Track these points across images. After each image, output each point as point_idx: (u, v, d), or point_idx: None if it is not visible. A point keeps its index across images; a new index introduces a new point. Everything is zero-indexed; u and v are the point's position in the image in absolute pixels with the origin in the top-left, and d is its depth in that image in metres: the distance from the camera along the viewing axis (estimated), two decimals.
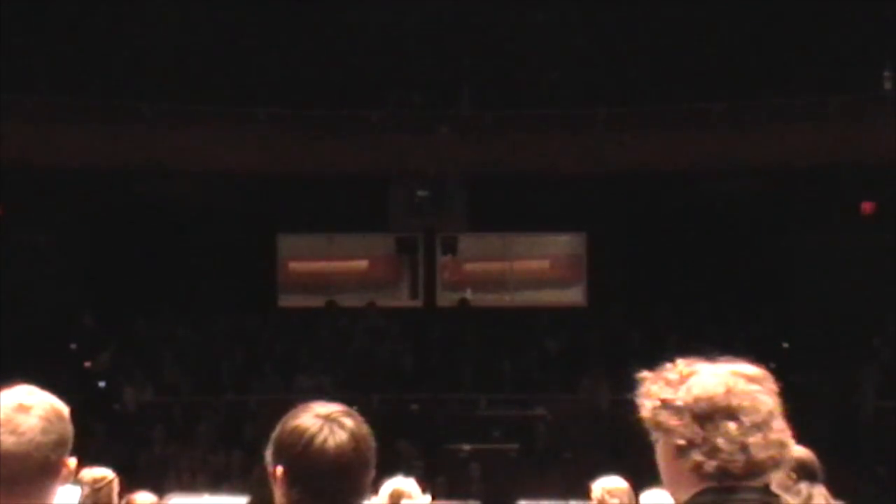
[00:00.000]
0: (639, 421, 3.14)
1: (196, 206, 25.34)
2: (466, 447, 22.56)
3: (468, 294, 26.93)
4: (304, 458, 3.20)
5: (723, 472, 2.99)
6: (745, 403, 3.05)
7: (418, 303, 26.69)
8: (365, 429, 3.27)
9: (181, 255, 25.61)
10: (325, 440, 3.20)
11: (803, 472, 6.95)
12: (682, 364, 3.21)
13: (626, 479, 8.37)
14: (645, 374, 3.18)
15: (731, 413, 3.04)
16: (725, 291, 25.22)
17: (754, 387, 3.10)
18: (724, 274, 25.45)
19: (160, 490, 11.15)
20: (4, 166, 21.87)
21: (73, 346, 24.74)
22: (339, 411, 3.28)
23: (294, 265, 27.63)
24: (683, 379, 3.14)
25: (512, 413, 23.46)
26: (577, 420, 23.03)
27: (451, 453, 22.51)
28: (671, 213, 25.60)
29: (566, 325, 25.60)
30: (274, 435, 3.26)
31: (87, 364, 24.32)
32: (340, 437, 3.21)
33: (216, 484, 20.49)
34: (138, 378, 23.69)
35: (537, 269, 27.79)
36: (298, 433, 3.22)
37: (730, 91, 24.22)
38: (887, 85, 24.38)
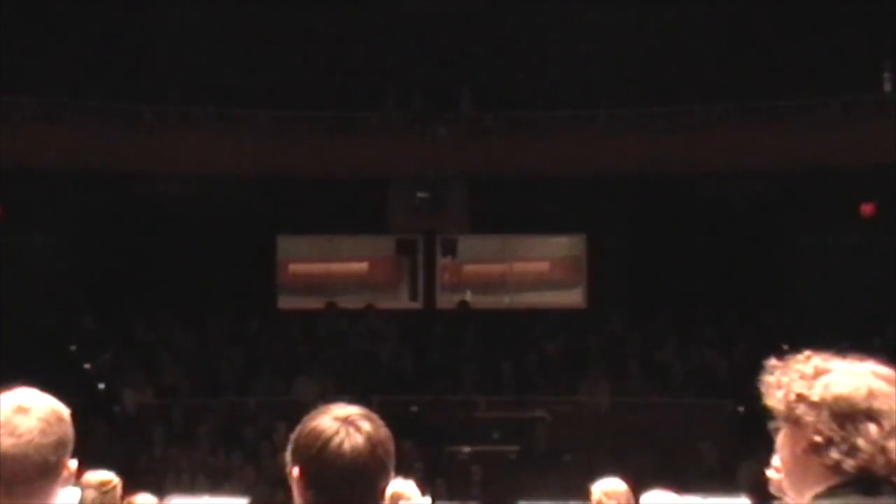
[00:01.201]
0: (767, 408, 3.11)
1: (196, 208, 25.33)
2: (466, 449, 22.57)
3: (468, 296, 26.92)
4: (319, 459, 3.18)
5: (863, 471, 2.98)
6: (885, 407, 3.03)
7: (418, 304, 26.70)
8: (383, 432, 3.24)
9: (181, 257, 25.59)
10: (341, 443, 3.18)
11: None
12: (816, 359, 3.15)
13: (626, 480, 8.38)
14: (775, 363, 3.15)
15: (871, 415, 3.01)
16: (725, 293, 25.21)
17: (892, 389, 3.08)
18: (724, 276, 25.44)
19: (160, 491, 11.17)
20: (4, 168, 21.87)
21: (72, 347, 24.74)
22: (358, 414, 3.25)
23: (294, 267, 27.62)
24: (818, 374, 3.10)
25: (512, 415, 23.46)
26: (577, 422, 23.02)
27: (450, 455, 22.51)
28: (671, 215, 25.59)
29: (566, 327, 25.59)
30: (293, 435, 3.25)
31: (87, 365, 24.32)
32: (356, 439, 3.18)
33: (216, 485, 20.51)
34: (138, 380, 23.69)
35: (537, 270, 27.79)
36: (315, 435, 3.20)
37: (730, 93, 24.23)
38: (887, 86, 24.39)
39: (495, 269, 27.68)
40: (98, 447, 19.91)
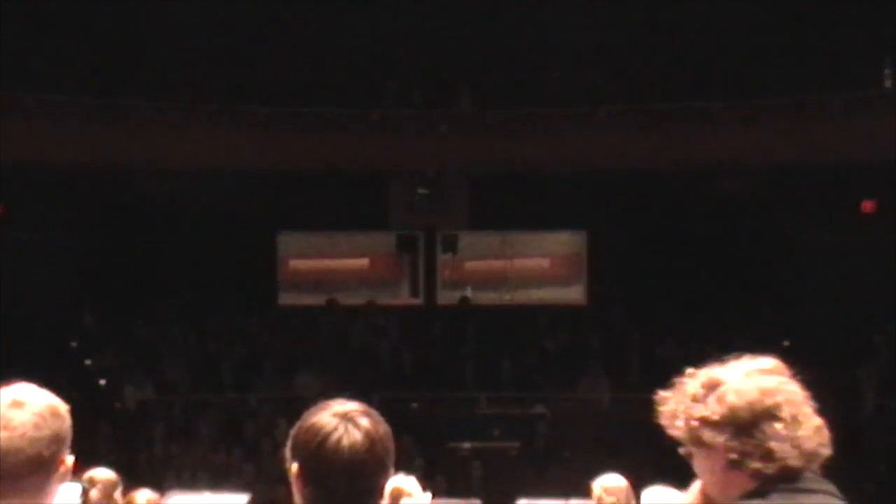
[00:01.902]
0: (672, 440, 3.12)
1: (196, 205, 25.33)
2: (467, 446, 22.56)
3: (468, 292, 26.92)
4: (317, 456, 3.18)
5: (784, 469, 2.98)
6: (780, 399, 3.04)
7: (419, 301, 26.70)
8: (382, 428, 3.24)
9: (181, 253, 25.59)
10: (339, 439, 3.18)
11: None
12: (699, 375, 3.14)
13: (626, 477, 8.39)
14: (663, 394, 3.14)
15: (771, 414, 3.02)
16: (725, 290, 25.21)
17: (780, 379, 3.08)
18: (724, 273, 25.44)
19: (161, 488, 11.16)
20: (5, 165, 21.87)
21: (73, 344, 24.75)
22: (357, 410, 3.25)
23: (294, 263, 27.61)
24: (709, 391, 3.09)
25: (512, 411, 23.45)
26: (578, 418, 23.02)
27: (451, 452, 22.50)
28: (671, 211, 25.59)
29: (566, 324, 25.59)
30: (292, 431, 3.25)
31: (88, 362, 24.32)
32: (354, 436, 3.18)
33: (217, 482, 20.48)
34: (139, 376, 23.69)
35: (537, 267, 27.77)
36: (314, 431, 3.20)
37: (730, 90, 24.23)
38: (888, 83, 24.38)
39: (496, 265, 27.67)
40: (99, 444, 19.93)
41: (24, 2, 23.54)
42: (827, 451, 3.06)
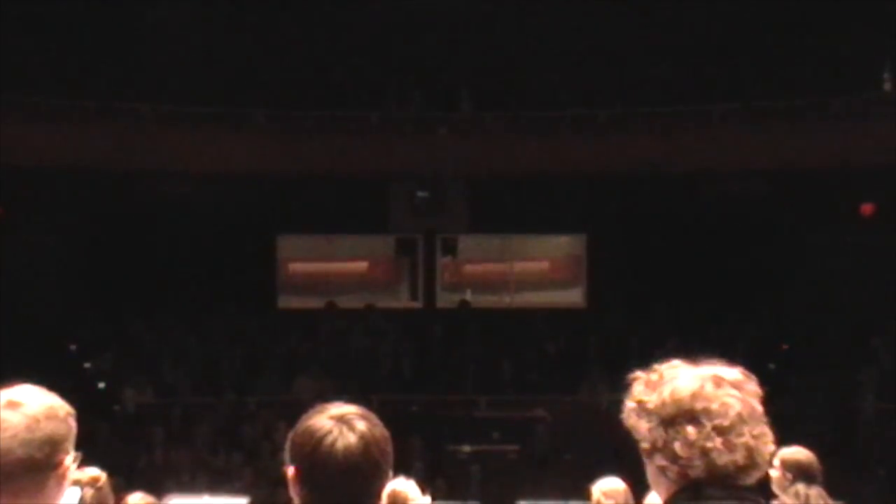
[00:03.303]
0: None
1: (196, 208, 25.33)
2: (466, 448, 22.56)
3: (468, 295, 26.92)
4: (313, 458, 3.18)
5: (684, 478, 2.97)
6: (713, 407, 2.99)
7: (418, 304, 26.70)
8: (378, 431, 3.23)
9: (181, 256, 25.60)
10: (333, 442, 3.17)
11: (800, 473, 6.96)
12: (665, 366, 3.16)
13: (626, 480, 8.38)
14: (636, 374, 3.16)
15: (693, 417, 2.99)
16: (725, 293, 25.21)
17: (727, 390, 3.03)
18: (724, 275, 25.44)
19: (160, 491, 11.16)
20: (5, 168, 21.87)
21: (73, 347, 24.75)
22: (354, 413, 3.24)
23: (294, 266, 27.62)
24: (661, 381, 3.10)
25: (511, 414, 23.45)
26: (577, 421, 23.02)
27: (451, 454, 22.50)
28: (671, 214, 25.59)
29: (566, 327, 25.60)
30: (290, 434, 3.25)
31: (87, 365, 24.32)
32: (349, 439, 3.18)
33: (216, 485, 20.48)
34: (138, 379, 23.69)
35: (537, 270, 27.79)
36: (309, 434, 3.20)
37: (730, 93, 24.23)
38: (887, 86, 24.39)
39: (495, 268, 27.68)
40: (98, 447, 19.92)
41: (23, 4, 23.54)
42: (750, 473, 2.98)
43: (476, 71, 25.69)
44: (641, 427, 3.05)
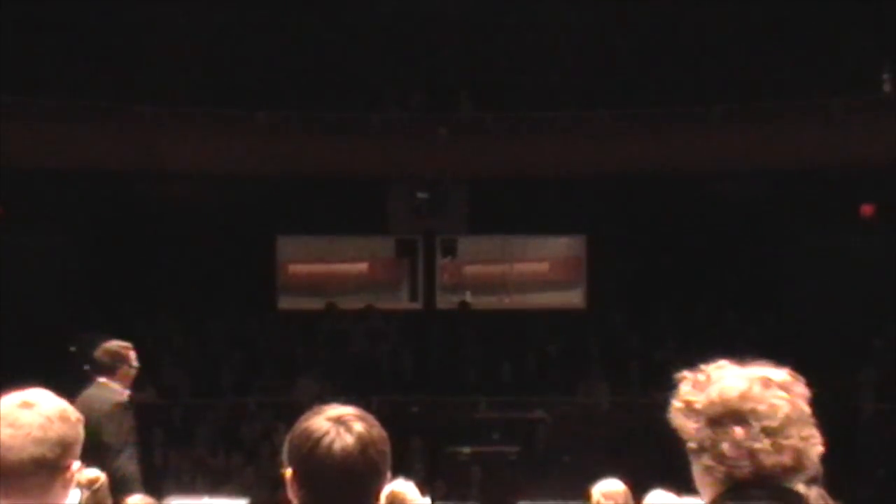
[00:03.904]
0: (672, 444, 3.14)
1: (195, 209, 25.34)
2: (466, 449, 22.55)
3: (468, 296, 26.92)
4: (310, 460, 3.18)
5: (730, 478, 2.98)
6: (760, 408, 3.02)
7: (418, 305, 26.69)
8: (376, 433, 3.23)
9: (181, 258, 25.61)
10: (331, 443, 3.18)
11: None
12: (713, 366, 3.19)
13: (626, 481, 8.38)
14: (682, 374, 3.17)
15: (741, 417, 3.02)
16: (725, 294, 25.22)
17: (775, 392, 3.06)
18: (724, 276, 25.44)
19: (160, 492, 11.16)
20: (4, 168, 21.87)
21: (72, 348, 24.72)
22: (352, 414, 3.25)
23: (293, 267, 27.62)
24: (709, 381, 3.12)
25: (511, 415, 23.45)
26: (577, 423, 23.02)
27: (450, 456, 22.50)
28: (671, 215, 25.59)
29: (566, 328, 25.59)
30: (288, 436, 3.26)
31: (87, 366, 24.28)
32: (347, 440, 3.18)
33: (216, 486, 20.50)
34: (138, 380, 23.63)
35: (537, 271, 27.78)
36: (307, 435, 3.21)
37: (729, 93, 24.22)
38: (886, 87, 24.39)
39: (495, 269, 27.68)
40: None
41: (23, 5, 23.53)
42: (791, 475, 3.02)
43: (476, 72, 25.69)
44: (689, 427, 3.07)
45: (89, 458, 9.52)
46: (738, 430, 3.00)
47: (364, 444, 3.19)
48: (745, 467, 2.98)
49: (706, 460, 3.02)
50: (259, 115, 24.60)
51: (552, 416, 23.22)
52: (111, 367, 9.40)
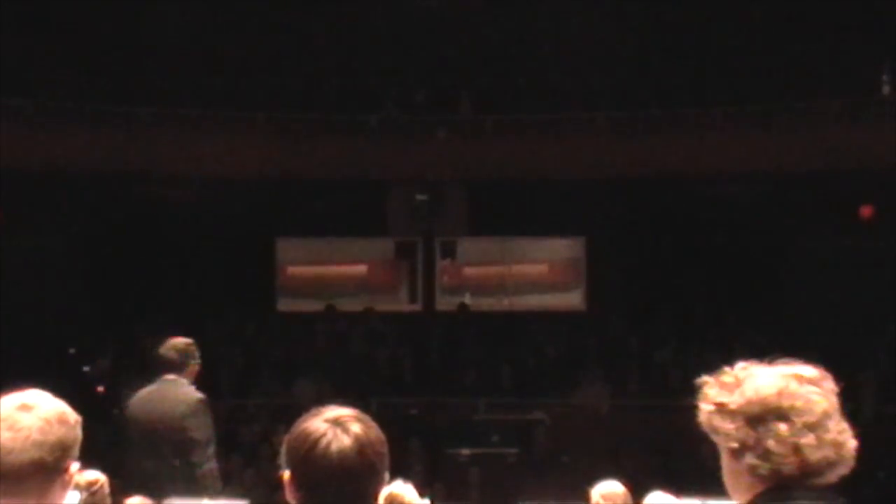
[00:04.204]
0: (697, 426, 3.17)
1: (195, 211, 25.34)
2: (465, 452, 22.55)
3: (467, 298, 26.93)
4: (307, 461, 3.19)
5: (776, 475, 3.00)
6: (798, 404, 3.06)
7: (417, 307, 26.70)
8: (373, 434, 3.24)
9: (180, 259, 25.61)
10: (328, 444, 3.18)
11: None
12: (739, 367, 3.21)
13: (625, 483, 8.38)
14: (705, 378, 3.19)
15: (782, 414, 3.05)
16: (724, 296, 25.22)
17: (809, 388, 3.10)
18: (724, 278, 25.45)
19: (159, 494, 11.14)
20: (4, 169, 21.87)
21: (71, 350, 24.73)
22: (349, 416, 3.25)
23: (293, 269, 27.63)
24: (739, 382, 3.15)
25: (511, 417, 23.45)
26: (576, 424, 23.02)
27: (450, 457, 22.50)
28: (670, 217, 25.60)
29: (565, 329, 25.60)
30: (286, 437, 3.26)
31: (86, 368, 24.31)
32: (343, 441, 3.19)
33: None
34: (137, 383, 23.65)
35: (536, 273, 27.79)
36: (304, 436, 3.22)
37: (729, 95, 24.23)
38: (885, 89, 24.40)
39: (494, 271, 27.69)
40: (97, 450, 19.89)
41: (24, 6, 23.54)
42: (835, 469, 3.05)
43: (476, 73, 25.70)
44: (726, 427, 3.09)
45: (173, 453, 9.61)
46: (783, 427, 3.03)
47: (361, 445, 3.19)
48: (792, 462, 3.00)
49: (750, 459, 3.04)
50: (258, 116, 24.61)
51: (551, 418, 23.22)
52: (181, 363, 9.63)
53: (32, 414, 2.98)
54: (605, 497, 8.19)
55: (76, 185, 23.97)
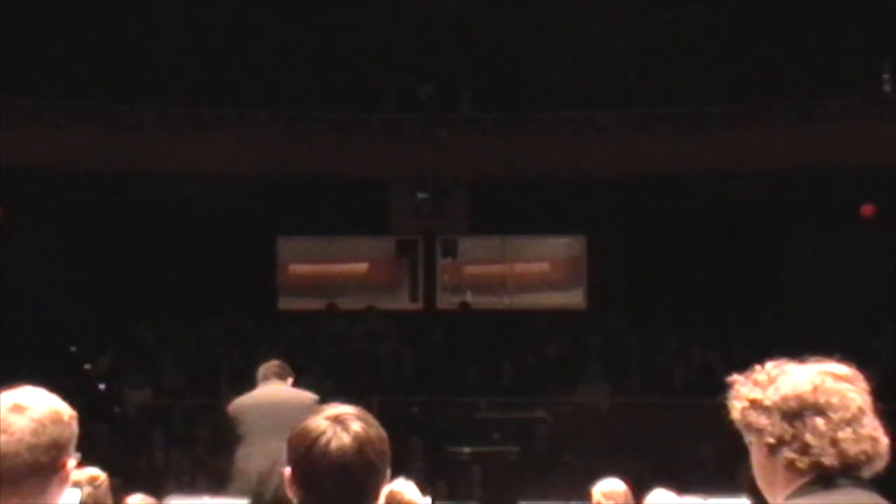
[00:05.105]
0: (731, 423, 3.19)
1: (196, 209, 25.34)
2: (466, 450, 22.56)
3: (468, 297, 26.93)
4: (307, 459, 3.20)
5: (816, 467, 3.02)
6: (834, 400, 3.10)
7: (418, 305, 26.70)
8: (374, 432, 3.24)
9: (181, 258, 25.60)
10: (327, 442, 3.19)
11: None
12: (770, 366, 3.23)
13: (626, 481, 8.39)
14: (735, 377, 3.19)
15: (819, 409, 3.08)
16: (725, 294, 25.22)
17: (843, 384, 3.15)
18: (724, 276, 25.45)
19: (160, 492, 11.16)
20: (4, 168, 21.88)
21: (72, 348, 24.74)
22: (350, 414, 3.26)
23: (294, 268, 27.62)
24: (772, 380, 3.18)
25: (512, 416, 23.45)
26: (577, 423, 23.02)
27: (451, 456, 22.51)
28: (671, 215, 25.60)
29: (566, 328, 25.59)
30: (288, 435, 3.28)
31: (87, 366, 24.32)
32: (343, 439, 3.19)
33: (216, 486, 20.48)
34: (138, 381, 23.69)
35: (537, 271, 27.79)
36: (304, 434, 3.23)
37: (729, 94, 24.24)
38: (886, 87, 24.40)
39: (495, 269, 27.68)
40: (98, 448, 19.92)
41: (24, 4, 23.54)
42: (873, 463, 3.12)
43: (476, 72, 25.70)
44: (762, 423, 3.11)
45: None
46: (820, 421, 3.07)
47: (361, 443, 3.20)
48: (831, 455, 3.03)
49: (788, 453, 3.06)
50: (260, 115, 24.62)
51: (552, 416, 23.22)
52: (286, 375, 11.42)
53: (25, 415, 2.96)
54: (606, 495, 8.20)
55: (76, 185, 23.97)
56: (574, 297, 27.30)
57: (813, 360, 3.23)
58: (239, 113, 24.52)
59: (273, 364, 11.58)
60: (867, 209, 24.36)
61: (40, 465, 2.94)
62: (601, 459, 19.51)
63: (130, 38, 24.85)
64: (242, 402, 11.26)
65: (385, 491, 7.36)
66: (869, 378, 3.25)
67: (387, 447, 3.25)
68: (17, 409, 2.97)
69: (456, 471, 22.00)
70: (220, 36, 25.27)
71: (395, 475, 7.63)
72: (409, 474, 7.76)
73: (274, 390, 11.14)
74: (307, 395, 10.98)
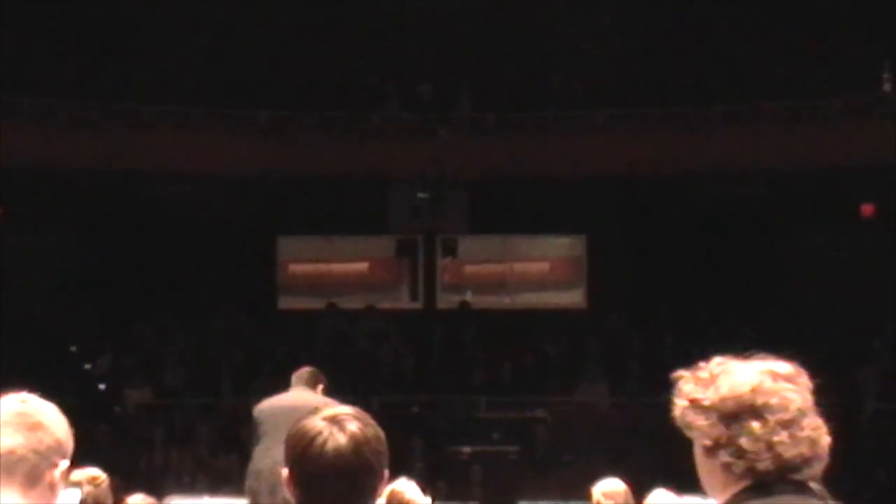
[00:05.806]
0: (672, 421, 3.15)
1: (196, 208, 25.34)
2: (467, 449, 22.56)
3: (468, 296, 26.92)
4: (304, 459, 3.20)
5: (752, 472, 2.98)
6: (773, 401, 3.03)
7: (418, 305, 26.69)
8: (371, 432, 3.24)
9: (181, 257, 25.59)
10: (324, 442, 3.19)
11: None
12: (714, 363, 3.17)
13: (626, 480, 8.38)
14: (680, 373, 3.16)
15: (756, 411, 3.02)
16: (725, 294, 25.22)
17: (783, 384, 3.07)
18: (724, 275, 25.44)
19: (160, 492, 11.19)
20: (4, 168, 21.88)
21: (73, 348, 24.75)
22: (347, 414, 3.25)
23: (294, 267, 27.61)
24: (713, 378, 3.12)
25: (512, 415, 23.46)
26: (577, 422, 23.03)
27: (451, 455, 22.51)
28: (671, 215, 25.60)
29: (566, 328, 25.58)
30: (286, 436, 3.28)
31: (88, 366, 24.33)
32: (339, 440, 3.19)
33: (216, 486, 20.50)
34: (138, 380, 23.69)
35: (537, 271, 27.78)
36: (301, 434, 3.23)
37: (729, 94, 24.23)
38: (886, 87, 24.39)
39: (495, 269, 27.68)
40: (99, 448, 19.93)
41: (22, 5, 23.54)
42: (811, 465, 3.04)
43: (477, 72, 25.69)
44: (700, 424, 3.05)
45: None
46: (755, 425, 3.00)
47: (357, 443, 3.20)
48: (766, 460, 2.99)
49: (724, 457, 3.01)
50: (260, 114, 24.61)
51: (552, 416, 23.23)
52: (316, 382, 11.43)
53: (15, 427, 2.96)
54: (606, 495, 8.19)
55: (77, 183, 23.97)
56: (574, 297, 27.30)
57: (758, 356, 3.19)
58: (239, 112, 24.52)
59: (304, 370, 11.62)
60: (867, 208, 24.36)
61: (35, 471, 2.93)
62: (601, 459, 19.53)
63: (130, 39, 24.85)
64: (263, 406, 11.33)
65: (386, 491, 7.36)
66: (813, 376, 3.20)
67: (384, 447, 3.24)
68: (7, 422, 2.96)
69: (456, 470, 22.00)
70: (220, 36, 25.26)
71: (395, 475, 7.63)
72: (409, 474, 7.76)
73: (295, 395, 11.18)
74: (322, 401, 11.14)
